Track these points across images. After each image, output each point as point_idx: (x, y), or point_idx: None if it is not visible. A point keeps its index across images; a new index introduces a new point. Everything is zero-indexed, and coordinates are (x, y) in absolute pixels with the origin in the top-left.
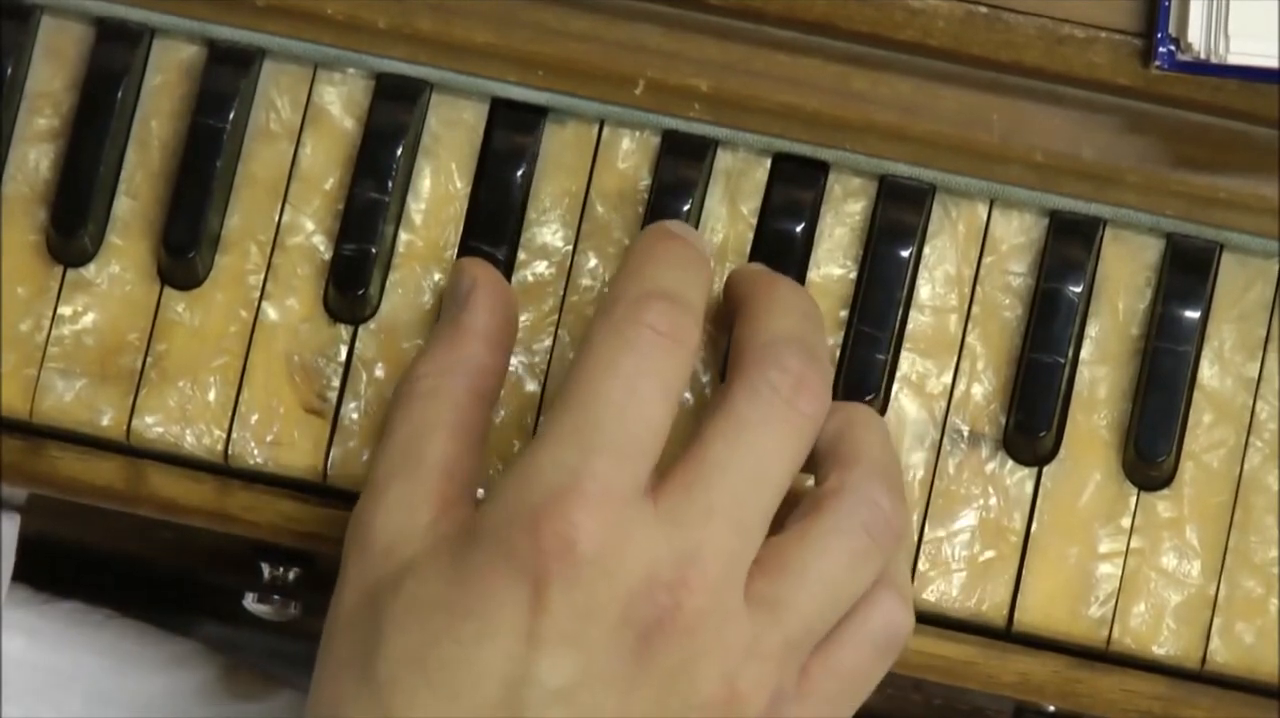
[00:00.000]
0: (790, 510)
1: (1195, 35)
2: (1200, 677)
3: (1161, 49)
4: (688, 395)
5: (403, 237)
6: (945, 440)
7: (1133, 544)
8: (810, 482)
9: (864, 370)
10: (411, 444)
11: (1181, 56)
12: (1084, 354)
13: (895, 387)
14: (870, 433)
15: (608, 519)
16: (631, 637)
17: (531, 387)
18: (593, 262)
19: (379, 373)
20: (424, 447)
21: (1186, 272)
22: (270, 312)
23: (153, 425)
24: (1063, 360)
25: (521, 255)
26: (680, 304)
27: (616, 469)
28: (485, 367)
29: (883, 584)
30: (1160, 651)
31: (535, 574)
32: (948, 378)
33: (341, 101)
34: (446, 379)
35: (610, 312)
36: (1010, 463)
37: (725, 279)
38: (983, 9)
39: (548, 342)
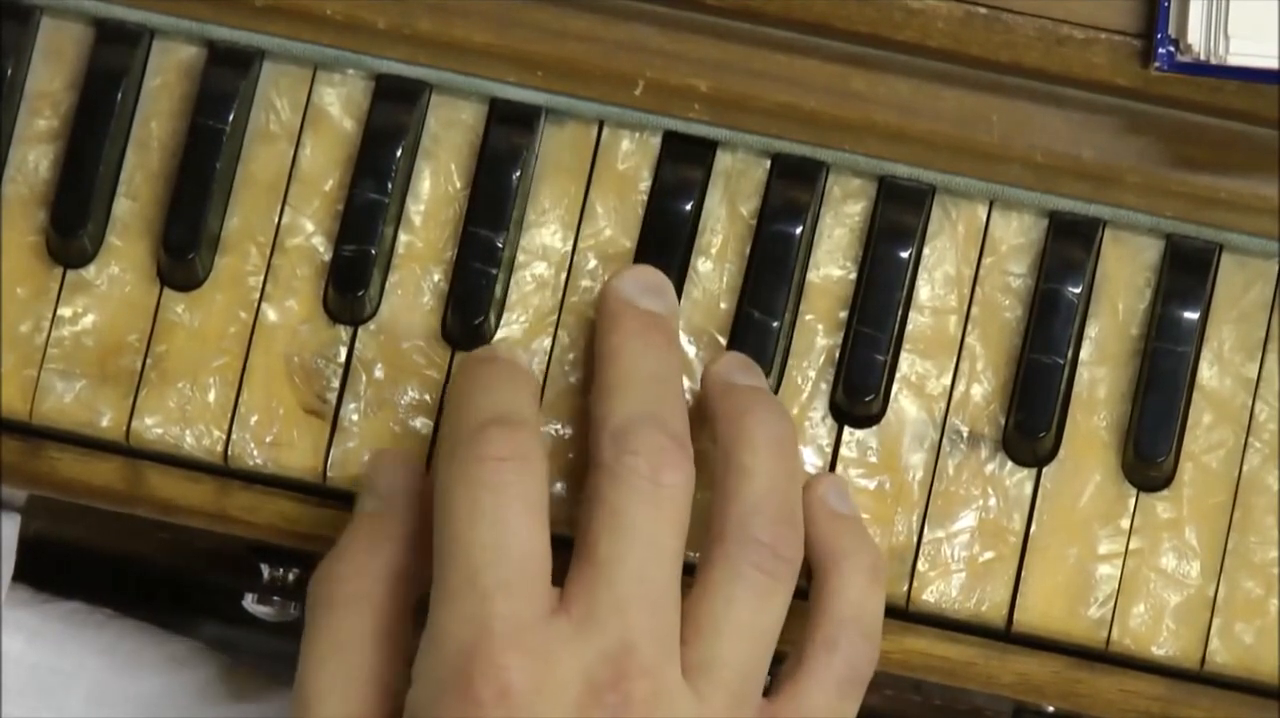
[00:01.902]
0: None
1: (1195, 36)
2: (1200, 677)
3: (1161, 50)
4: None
5: (402, 238)
6: (945, 441)
7: (1132, 545)
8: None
9: (864, 371)
10: (339, 658)
11: (1181, 57)
12: (1083, 355)
13: (895, 387)
14: (750, 454)
15: (530, 650)
16: None
17: None
18: (592, 262)
19: (379, 374)
20: (352, 660)
21: (1186, 272)
22: (270, 313)
23: (152, 426)
24: (1062, 361)
25: (521, 256)
26: (512, 423)
27: (517, 602)
28: (406, 570)
29: (841, 622)
30: (1160, 651)
31: None
32: (947, 379)
33: (341, 102)
34: (369, 586)
35: (451, 455)
36: (1010, 464)
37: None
38: (982, 10)
39: (547, 342)
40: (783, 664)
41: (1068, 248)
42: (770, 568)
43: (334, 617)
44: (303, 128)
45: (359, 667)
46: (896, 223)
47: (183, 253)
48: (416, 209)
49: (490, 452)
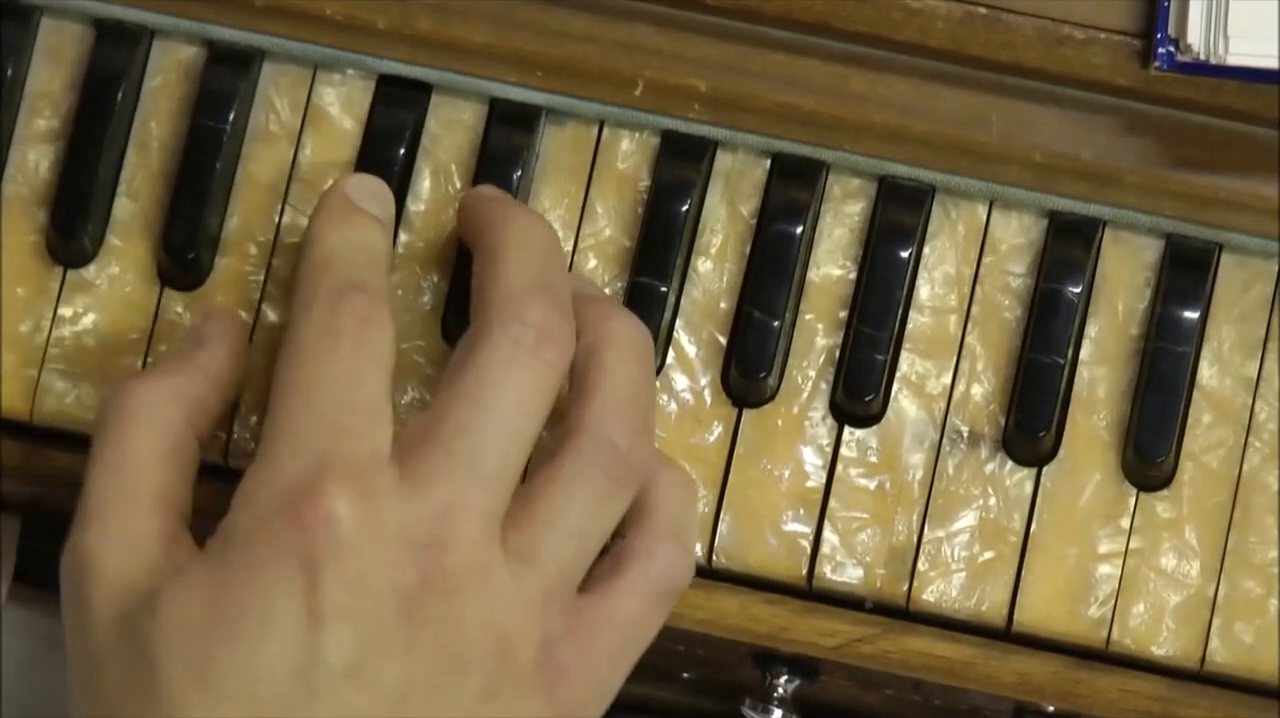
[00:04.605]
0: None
1: (1195, 36)
2: (1199, 677)
3: (1161, 50)
4: None
5: (402, 237)
6: (945, 441)
7: (1132, 545)
8: None
9: (864, 371)
10: (126, 469)
11: (1181, 57)
12: (1083, 355)
13: (895, 387)
14: (616, 356)
15: (361, 491)
16: (401, 603)
17: None
18: (592, 262)
19: None
20: (139, 474)
21: (1186, 272)
22: (270, 313)
23: None
24: (1062, 361)
25: None
26: (371, 290)
27: (357, 445)
28: (207, 404)
29: (661, 534)
30: (1159, 651)
31: (305, 556)
32: (947, 378)
33: (341, 102)
34: (163, 405)
35: (309, 308)
36: (1010, 463)
37: (459, 204)
38: (982, 9)
39: None
40: (601, 561)
41: (1067, 248)
42: (617, 474)
43: (124, 427)
44: (303, 128)
45: (145, 481)
46: (896, 222)
47: (183, 253)
48: (416, 209)
49: (353, 309)
